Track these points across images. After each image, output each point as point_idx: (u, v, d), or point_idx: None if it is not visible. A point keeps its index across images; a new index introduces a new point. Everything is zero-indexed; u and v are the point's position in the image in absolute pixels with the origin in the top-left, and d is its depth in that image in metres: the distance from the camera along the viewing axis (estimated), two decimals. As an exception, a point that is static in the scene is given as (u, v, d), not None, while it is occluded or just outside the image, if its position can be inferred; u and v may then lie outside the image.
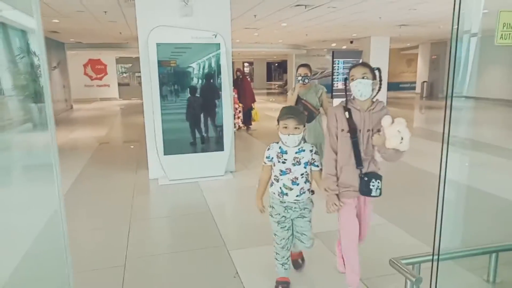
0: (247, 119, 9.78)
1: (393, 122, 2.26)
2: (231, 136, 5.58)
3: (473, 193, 2.10)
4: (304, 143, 2.53)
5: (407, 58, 24.02)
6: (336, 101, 15.43)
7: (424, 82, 19.89)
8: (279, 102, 18.65)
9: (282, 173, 2.51)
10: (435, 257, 2.28)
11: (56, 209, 1.68)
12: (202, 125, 5.56)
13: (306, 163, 2.50)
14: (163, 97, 5.20)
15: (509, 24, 2.22)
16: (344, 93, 2.50)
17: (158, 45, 5.07)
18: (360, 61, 15.18)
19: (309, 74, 4.34)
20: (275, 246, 2.64)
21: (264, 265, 3.00)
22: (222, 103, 5.47)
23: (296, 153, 2.48)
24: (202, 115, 5.55)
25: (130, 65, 21.18)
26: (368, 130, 2.41)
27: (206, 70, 5.42)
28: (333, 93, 15.29)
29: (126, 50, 17.21)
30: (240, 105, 9.42)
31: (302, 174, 2.50)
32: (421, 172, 5.48)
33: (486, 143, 7.29)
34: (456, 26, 1.98)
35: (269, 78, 36.00)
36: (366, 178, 2.40)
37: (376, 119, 2.40)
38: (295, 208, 2.55)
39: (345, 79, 2.48)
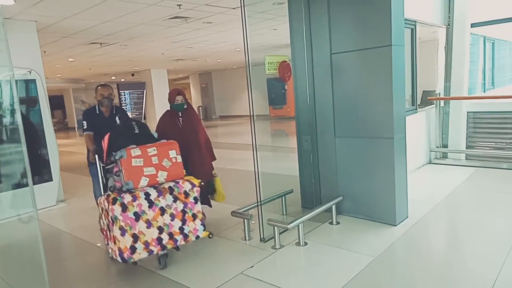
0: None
1: None
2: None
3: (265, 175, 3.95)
4: None
5: (181, 87, 26.86)
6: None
7: (199, 106, 22.95)
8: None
9: None
10: (258, 203, 3.93)
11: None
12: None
13: None
14: None
15: (272, 62, 4.07)
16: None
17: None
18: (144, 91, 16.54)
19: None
20: None
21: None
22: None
23: None
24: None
25: None
26: None
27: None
28: (124, 123, 16.05)
29: None
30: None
31: None
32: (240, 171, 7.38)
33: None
34: (248, 60, 3.66)
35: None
36: None
37: None
38: None
39: None
